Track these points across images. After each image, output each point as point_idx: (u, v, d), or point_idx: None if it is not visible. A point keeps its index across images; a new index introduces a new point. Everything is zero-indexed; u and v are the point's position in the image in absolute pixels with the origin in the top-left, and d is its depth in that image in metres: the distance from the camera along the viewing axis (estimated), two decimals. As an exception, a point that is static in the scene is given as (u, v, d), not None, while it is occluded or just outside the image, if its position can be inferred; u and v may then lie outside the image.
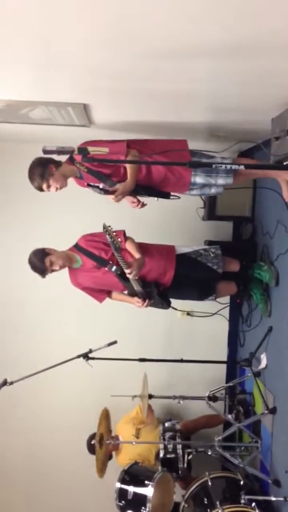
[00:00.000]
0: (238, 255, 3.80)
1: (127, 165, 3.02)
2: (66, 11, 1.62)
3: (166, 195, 3.29)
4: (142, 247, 3.37)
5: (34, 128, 3.35)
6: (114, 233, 2.79)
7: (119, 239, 2.87)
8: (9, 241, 4.43)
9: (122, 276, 3.20)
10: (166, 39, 1.86)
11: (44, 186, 3.08)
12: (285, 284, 3.35)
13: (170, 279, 3.44)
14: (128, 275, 3.10)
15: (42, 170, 3.05)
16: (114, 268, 3.18)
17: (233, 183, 3.22)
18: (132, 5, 1.56)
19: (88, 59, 2.13)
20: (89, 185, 3.20)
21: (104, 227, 2.76)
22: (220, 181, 3.18)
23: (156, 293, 3.40)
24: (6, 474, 4.46)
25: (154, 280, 3.41)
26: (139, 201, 3.34)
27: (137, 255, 3.23)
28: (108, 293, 3.61)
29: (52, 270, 3.33)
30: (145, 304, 3.41)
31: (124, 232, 3.33)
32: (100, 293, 3.58)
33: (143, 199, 3.34)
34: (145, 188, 3.21)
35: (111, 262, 3.24)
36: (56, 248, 3.39)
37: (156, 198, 3.27)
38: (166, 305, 3.60)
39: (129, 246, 3.28)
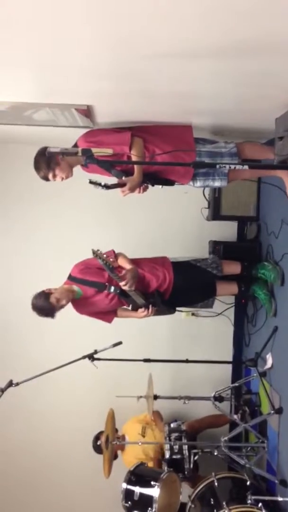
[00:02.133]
0: (241, 256, 3.80)
1: (133, 158, 2.96)
2: (71, 13, 1.62)
3: (171, 183, 3.26)
4: (136, 262, 3.43)
5: (37, 129, 3.35)
6: (105, 255, 2.86)
7: (111, 259, 2.94)
8: (11, 243, 4.44)
9: (123, 293, 3.26)
10: (169, 41, 1.86)
11: (50, 176, 3.03)
12: (290, 283, 3.35)
13: (171, 284, 3.47)
14: (123, 287, 3.14)
15: (48, 160, 2.99)
16: (113, 288, 3.25)
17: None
18: (134, 8, 1.57)
19: (92, 61, 2.13)
20: (91, 183, 3.19)
21: (94, 252, 2.85)
22: (227, 159, 3.14)
23: (160, 301, 3.43)
24: (11, 474, 4.47)
25: (155, 289, 3.45)
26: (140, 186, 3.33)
27: (128, 267, 3.27)
28: (115, 312, 3.64)
29: (61, 307, 3.32)
30: (150, 311, 3.42)
31: (113, 251, 3.38)
32: (108, 314, 3.62)
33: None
34: (149, 176, 3.17)
35: (107, 284, 3.28)
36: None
37: (160, 186, 3.25)
38: (172, 310, 3.65)
39: (121, 261, 3.32)
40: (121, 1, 1.52)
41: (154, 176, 3.18)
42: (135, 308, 3.45)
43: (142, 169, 2.99)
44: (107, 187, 2.92)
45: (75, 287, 3.44)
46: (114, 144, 2.89)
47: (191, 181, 3.25)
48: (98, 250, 2.88)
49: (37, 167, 3.04)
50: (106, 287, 3.29)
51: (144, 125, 3.15)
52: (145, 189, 3.28)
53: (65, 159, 3.01)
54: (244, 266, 3.73)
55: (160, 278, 3.46)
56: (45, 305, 3.26)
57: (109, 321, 3.64)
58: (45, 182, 3.15)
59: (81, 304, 3.52)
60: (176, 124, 3.19)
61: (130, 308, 3.47)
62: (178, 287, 3.51)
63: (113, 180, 2.92)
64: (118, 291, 3.24)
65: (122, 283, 3.13)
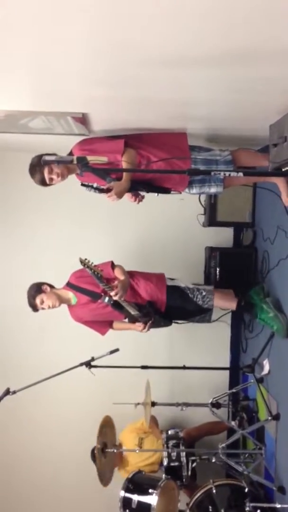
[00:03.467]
0: (237, 263, 3.81)
1: (123, 164, 2.96)
2: (66, 22, 1.63)
3: (167, 191, 3.28)
4: (133, 275, 3.46)
5: (33, 137, 3.36)
6: (93, 264, 2.90)
7: (99, 269, 2.97)
8: (10, 250, 4.44)
9: (116, 305, 3.27)
10: (165, 48, 1.87)
11: (46, 172, 2.99)
12: (286, 289, 3.35)
13: (163, 304, 3.49)
14: (114, 297, 3.15)
15: (42, 169, 2.99)
16: (107, 299, 3.25)
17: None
18: (131, 16, 1.58)
19: (88, 69, 2.14)
20: (83, 185, 3.20)
21: (81, 261, 2.84)
22: (222, 167, 3.15)
23: (153, 311, 3.45)
24: (8, 483, 4.44)
25: (148, 301, 3.47)
26: (137, 196, 3.35)
27: (121, 278, 3.28)
28: (110, 324, 3.67)
29: (42, 308, 3.44)
30: (147, 327, 3.46)
31: (112, 263, 3.40)
32: (102, 325, 3.65)
33: (142, 193, 3.36)
34: (145, 184, 3.19)
35: (103, 294, 3.28)
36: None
37: (156, 194, 3.27)
38: (168, 322, 3.65)
39: (117, 272, 3.35)
40: (118, 9, 1.54)
41: (150, 184, 3.19)
42: (132, 320, 3.46)
43: (131, 176, 2.98)
44: (99, 190, 2.93)
45: (71, 294, 3.48)
46: (107, 152, 2.90)
47: (186, 188, 3.26)
48: (86, 259, 2.91)
49: (32, 170, 3.03)
50: (101, 296, 3.31)
51: (140, 133, 3.17)
52: (141, 200, 3.32)
53: (61, 165, 3.00)
54: (239, 302, 3.63)
55: (153, 298, 3.49)
56: (30, 299, 3.44)
57: (103, 333, 3.67)
58: (42, 190, 3.16)
59: (77, 311, 3.56)
60: (172, 132, 3.20)
61: (127, 320, 3.48)
62: (170, 309, 3.54)
63: None
64: (112, 302, 3.26)
65: (112, 293, 3.14)
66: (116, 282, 3.20)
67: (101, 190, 3.08)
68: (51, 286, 3.49)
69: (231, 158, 3.17)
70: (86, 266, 2.88)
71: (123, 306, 3.29)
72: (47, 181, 3.03)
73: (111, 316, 3.56)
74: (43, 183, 3.04)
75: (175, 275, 3.72)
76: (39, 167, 2.98)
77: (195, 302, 3.55)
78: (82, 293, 3.43)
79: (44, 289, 3.43)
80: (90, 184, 3.13)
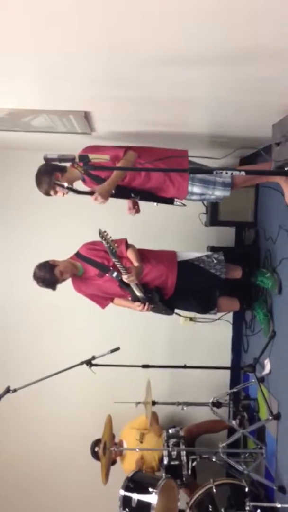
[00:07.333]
0: (240, 262, 3.80)
1: (122, 161, 3.02)
2: (68, 21, 1.63)
3: (170, 201, 3.31)
4: (144, 255, 3.39)
5: (35, 136, 3.37)
6: (111, 239, 2.78)
7: (115, 244, 2.87)
8: (11, 249, 4.45)
9: (124, 282, 3.22)
10: (167, 48, 1.87)
11: (52, 193, 3.14)
12: (288, 289, 3.35)
13: (173, 286, 3.44)
14: (125, 280, 3.11)
15: (49, 179, 3.10)
16: (115, 274, 3.20)
17: (232, 191, 3.23)
18: (133, 15, 1.58)
19: (90, 68, 2.14)
20: (66, 188, 3.18)
21: (100, 232, 2.77)
22: (217, 193, 3.19)
23: (158, 299, 3.41)
24: (8, 481, 4.45)
25: (156, 286, 3.42)
26: (134, 207, 3.44)
27: (136, 263, 3.25)
28: (111, 299, 3.63)
29: (63, 280, 3.34)
30: (146, 307, 3.40)
31: (126, 241, 3.35)
32: (104, 299, 3.60)
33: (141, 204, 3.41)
34: (147, 194, 3.22)
35: (111, 268, 3.26)
36: (56, 258, 3.40)
37: (155, 203, 3.28)
38: (170, 311, 3.61)
39: (130, 254, 3.30)
40: (120, 8, 1.53)
41: (151, 195, 3.23)
42: (134, 300, 3.42)
43: (117, 182, 3.01)
44: (77, 192, 3.03)
45: (78, 264, 3.42)
46: (109, 160, 2.93)
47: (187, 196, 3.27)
48: (105, 231, 2.79)
49: (38, 184, 3.15)
50: (109, 270, 3.26)
51: (141, 146, 3.21)
52: (137, 211, 3.44)
53: (64, 175, 3.13)
54: (244, 272, 3.72)
55: (163, 278, 3.43)
56: (48, 277, 3.25)
57: (103, 306, 3.60)
58: None
59: (81, 283, 3.50)
60: (173, 149, 3.22)
61: (130, 298, 3.44)
62: (179, 292, 3.50)
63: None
64: (120, 278, 3.20)
65: (124, 276, 3.08)
66: (131, 267, 3.16)
67: (79, 193, 3.11)
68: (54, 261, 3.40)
69: (230, 181, 3.18)
70: (104, 238, 2.77)
71: (130, 285, 3.23)
72: (53, 195, 3.17)
73: (114, 293, 3.52)
74: (48, 195, 3.17)
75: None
76: (46, 185, 3.10)
77: (208, 272, 3.49)
78: (91, 265, 3.37)
79: (53, 263, 3.33)
80: (69, 186, 3.10)
